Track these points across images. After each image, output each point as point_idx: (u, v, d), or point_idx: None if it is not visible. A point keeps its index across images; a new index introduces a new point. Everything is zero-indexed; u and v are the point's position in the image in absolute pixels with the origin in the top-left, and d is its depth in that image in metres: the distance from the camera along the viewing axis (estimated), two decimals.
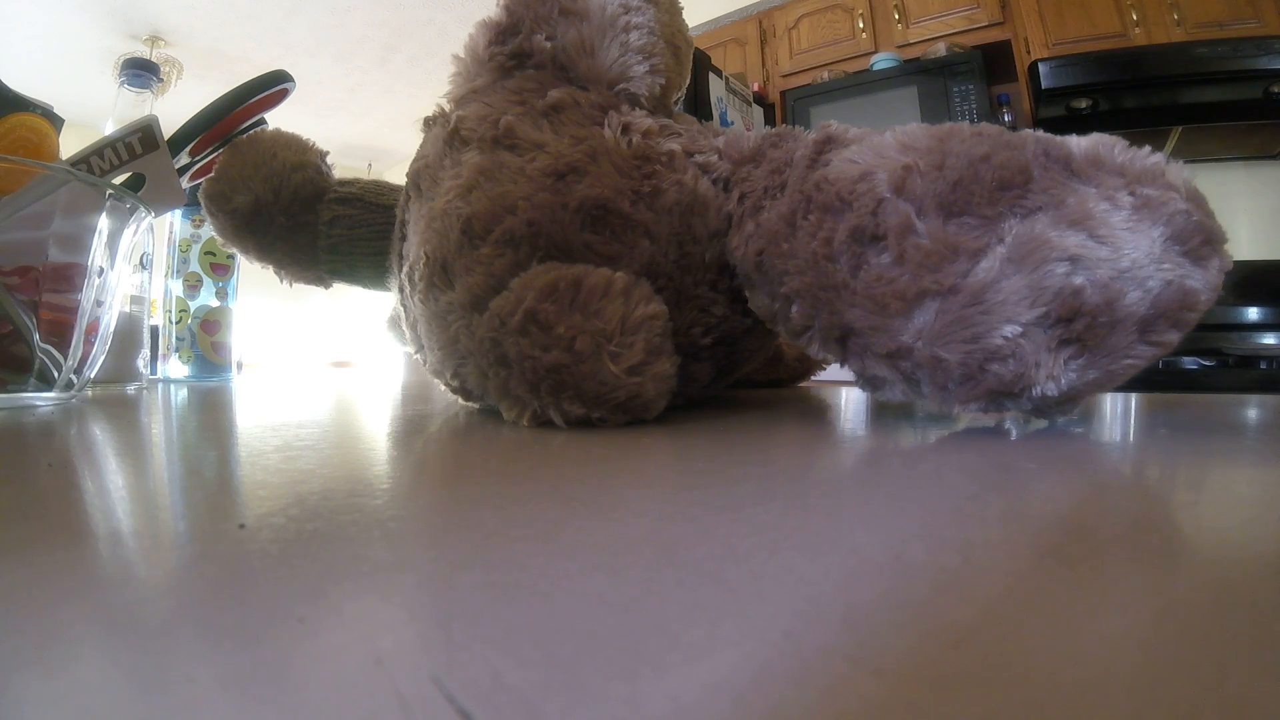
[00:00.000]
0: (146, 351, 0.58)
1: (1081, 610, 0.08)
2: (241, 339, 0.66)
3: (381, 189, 0.44)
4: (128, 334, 0.55)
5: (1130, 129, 1.39)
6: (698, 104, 1.53)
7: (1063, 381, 0.21)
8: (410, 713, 0.06)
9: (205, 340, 0.62)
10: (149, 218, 0.38)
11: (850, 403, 0.39)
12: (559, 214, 0.27)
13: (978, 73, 1.70)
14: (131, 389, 0.50)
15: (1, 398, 0.31)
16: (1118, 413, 0.32)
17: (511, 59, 0.34)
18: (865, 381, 0.26)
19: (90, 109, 1.98)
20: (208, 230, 0.60)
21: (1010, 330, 0.21)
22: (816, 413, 0.33)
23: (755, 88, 1.99)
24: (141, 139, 0.38)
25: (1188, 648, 0.07)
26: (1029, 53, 1.69)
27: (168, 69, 2.56)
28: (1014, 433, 0.23)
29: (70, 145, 0.39)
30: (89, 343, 0.35)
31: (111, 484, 0.16)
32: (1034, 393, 0.21)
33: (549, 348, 0.24)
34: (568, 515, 0.12)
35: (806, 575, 0.09)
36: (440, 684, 0.06)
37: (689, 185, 0.30)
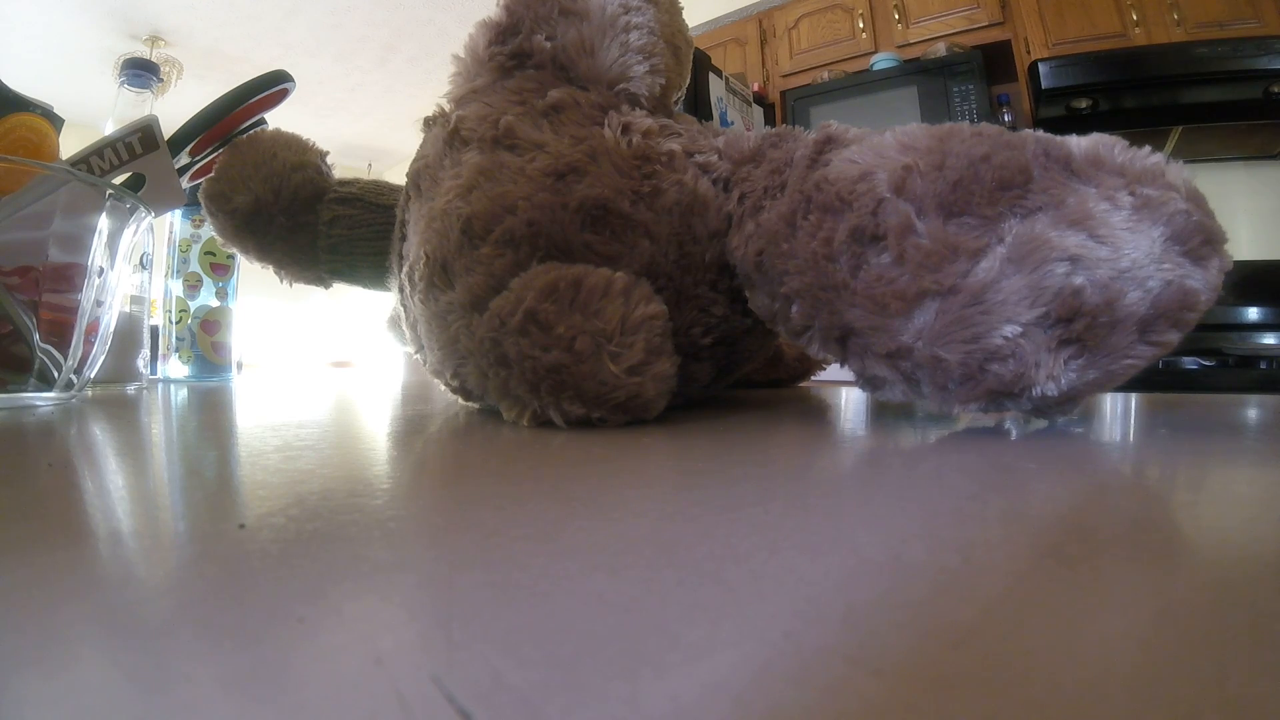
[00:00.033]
0: (146, 351, 0.58)
1: (1081, 610, 0.08)
2: (241, 339, 0.66)
3: (381, 189, 0.44)
4: (128, 334, 0.55)
5: (1130, 129, 1.38)
6: (698, 104, 1.53)
7: (1063, 381, 0.21)
8: (410, 713, 0.06)
9: (205, 340, 0.62)
10: (149, 218, 0.38)
11: (850, 403, 0.39)
12: (559, 214, 0.27)
13: (978, 73, 1.70)
14: (131, 389, 0.50)
15: (1, 398, 0.31)
16: (1118, 413, 0.32)
17: (511, 59, 0.34)
18: (865, 381, 0.26)
19: (90, 109, 1.98)
20: (208, 230, 0.60)
21: (1010, 330, 0.21)
22: (816, 413, 0.33)
23: (755, 88, 1.99)
24: (141, 139, 0.38)
25: (1188, 648, 0.07)
26: (1029, 53, 1.69)
27: (168, 69, 2.56)
28: (1014, 433, 0.23)
29: (70, 145, 0.39)
30: (89, 343, 0.35)
31: (111, 484, 0.16)
32: (1034, 393, 0.21)
33: (549, 348, 0.24)
34: (568, 515, 0.12)
35: (806, 575, 0.09)
36: (440, 684, 0.06)
37: (689, 185, 0.30)
